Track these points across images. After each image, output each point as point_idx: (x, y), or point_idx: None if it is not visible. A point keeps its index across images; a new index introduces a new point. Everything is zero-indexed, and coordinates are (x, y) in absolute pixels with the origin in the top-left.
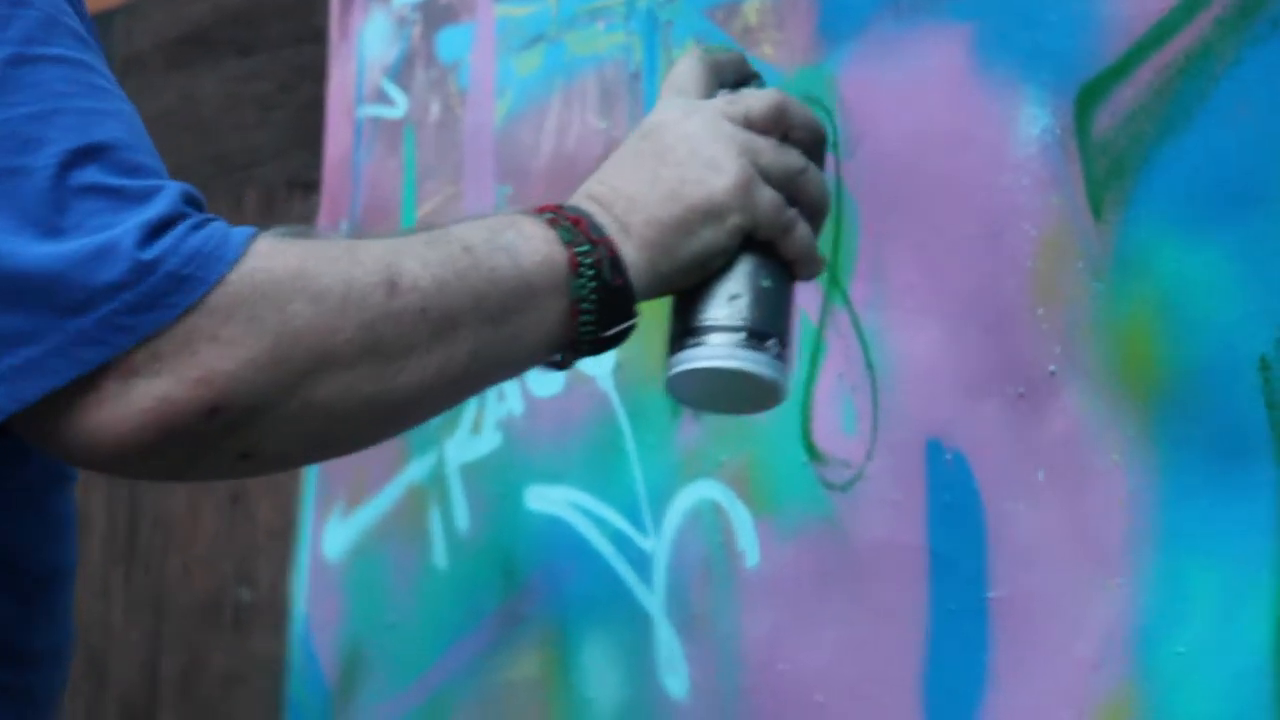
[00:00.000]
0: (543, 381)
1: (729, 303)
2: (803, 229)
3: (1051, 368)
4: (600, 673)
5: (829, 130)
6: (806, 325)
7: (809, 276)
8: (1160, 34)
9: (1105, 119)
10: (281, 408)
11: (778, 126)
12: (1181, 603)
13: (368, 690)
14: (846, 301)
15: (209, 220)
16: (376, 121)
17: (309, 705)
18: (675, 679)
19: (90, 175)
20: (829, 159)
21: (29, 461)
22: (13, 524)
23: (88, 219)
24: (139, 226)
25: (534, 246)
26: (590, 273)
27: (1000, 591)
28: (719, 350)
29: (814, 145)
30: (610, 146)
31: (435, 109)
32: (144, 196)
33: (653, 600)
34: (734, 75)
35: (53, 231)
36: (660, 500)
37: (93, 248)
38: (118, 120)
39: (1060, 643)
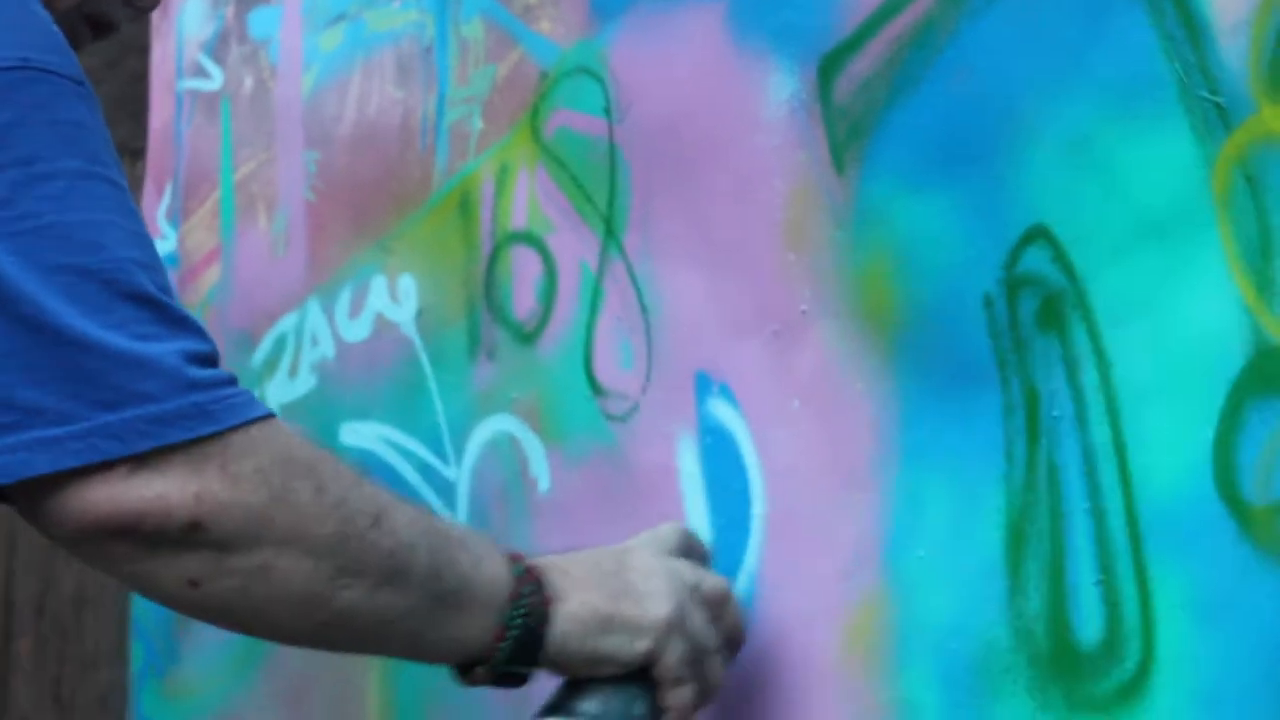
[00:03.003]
0: (351, 326)
1: (604, 706)
2: (687, 692)
3: (803, 307)
4: None
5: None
6: (586, 273)
7: None
8: (890, 9)
9: (844, 86)
10: (245, 557)
11: (715, 608)
12: (921, 513)
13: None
14: (621, 251)
15: (236, 379)
16: (195, 94)
17: (152, 624)
18: None
19: (138, 284)
20: (604, 124)
21: None
22: None
23: (133, 324)
24: (183, 352)
25: (493, 566)
26: (522, 610)
27: (764, 508)
28: None
29: (731, 641)
30: (407, 116)
31: (248, 82)
32: (183, 321)
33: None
34: (698, 553)
35: (105, 325)
36: (460, 433)
37: (136, 355)
38: (150, 245)
39: (818, 552)
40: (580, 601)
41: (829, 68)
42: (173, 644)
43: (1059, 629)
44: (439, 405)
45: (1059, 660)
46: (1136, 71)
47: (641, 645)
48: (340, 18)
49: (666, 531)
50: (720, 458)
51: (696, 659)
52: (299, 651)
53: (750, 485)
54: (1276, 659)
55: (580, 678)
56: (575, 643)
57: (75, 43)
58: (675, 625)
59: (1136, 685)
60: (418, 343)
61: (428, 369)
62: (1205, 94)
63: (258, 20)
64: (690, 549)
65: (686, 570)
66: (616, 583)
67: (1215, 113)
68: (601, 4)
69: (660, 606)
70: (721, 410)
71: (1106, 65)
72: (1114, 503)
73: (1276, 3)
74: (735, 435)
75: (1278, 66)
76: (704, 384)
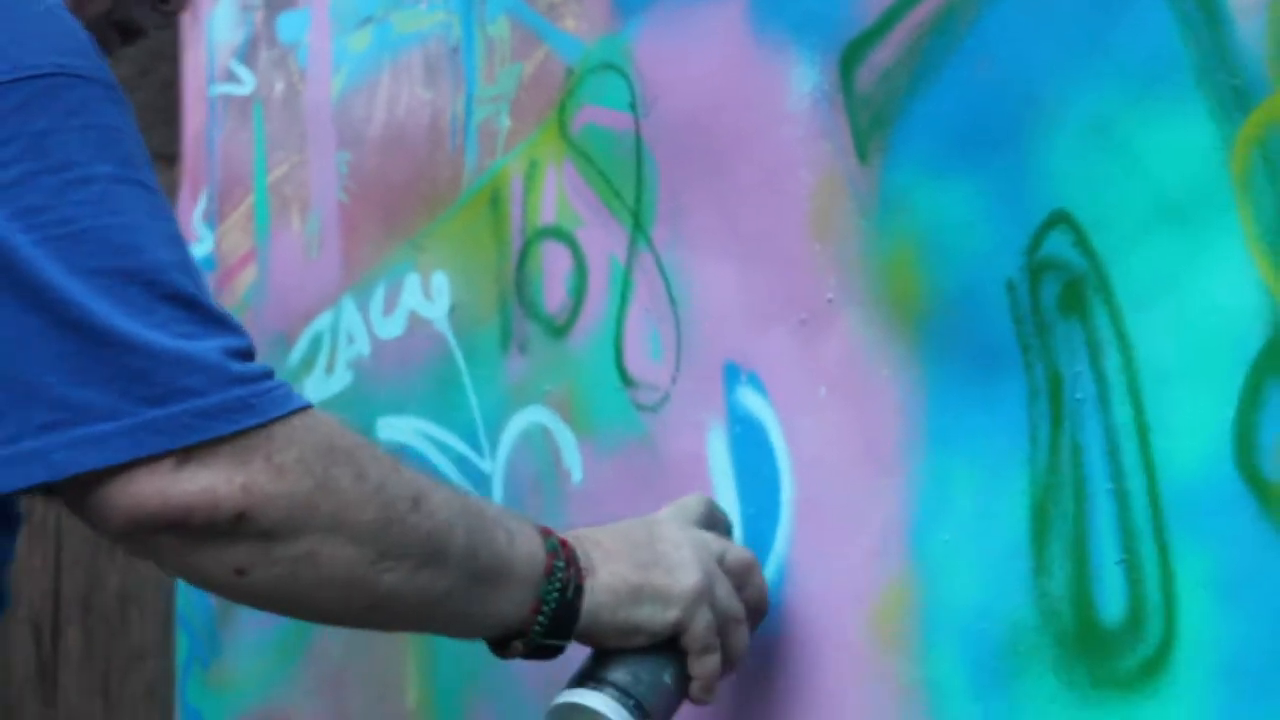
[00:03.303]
0: (385, 324)
1: (634, 675)
2: (714, 660)
3: (829, 296)
4: None
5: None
6: (615, 266)
7: (697, 698)
8: None
9: (866, 75)
10: (290, 545)
11: (740, 578)
12: (947, 497)
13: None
14: (650, 243)
15: (274, 373)
16: (227, 99)
17: (196, 618)
18: None
19: (177, 284)
20: (630, 119)
21: None
22: None
23: (174, 324)
24: (224, 348)
25: (527, 542)
26: (558, 584)
27: (792, 494)
28: (609, 705)
29: (756, 610)
30: (436, 115)
31: (279, 86)
32: (221, 319)
33: None
34: (722, 524)
35: (148, 325)
36: (495, 426)
37: (179, 353)
38: (185, 247)
39: (847, 536)
40: (611, 573)
41: (851, 58)
42: (216, 636)
43: (1083, 608)
44: (473, 399)
45: (1083, 639)
46: (1155, 55)
47: (671, 615)
48: (368, 20)
49: (692, 503)
50: (749, 446)
51: (723, 628)
52: (338, 642)
53: (779, 472)
54: None
55: (610, 648)
56: (608, 614)
57: (105, 48)
58: (703, 595)
59: (1159, 662)
60: (451, 338)
61: (461, 364)
62: (1223, 77)
63: (286, 24)
64: (714, 520)
65: (712, 541)
66: (646, 554)
67: (1233, 95)
68: (624, 0)
69: (689, 576)
70: (750, 399)
71: (1125, 49)
72: (1136, 483)
73: None
74: (764, 423)
75: None
76: (732, 373)
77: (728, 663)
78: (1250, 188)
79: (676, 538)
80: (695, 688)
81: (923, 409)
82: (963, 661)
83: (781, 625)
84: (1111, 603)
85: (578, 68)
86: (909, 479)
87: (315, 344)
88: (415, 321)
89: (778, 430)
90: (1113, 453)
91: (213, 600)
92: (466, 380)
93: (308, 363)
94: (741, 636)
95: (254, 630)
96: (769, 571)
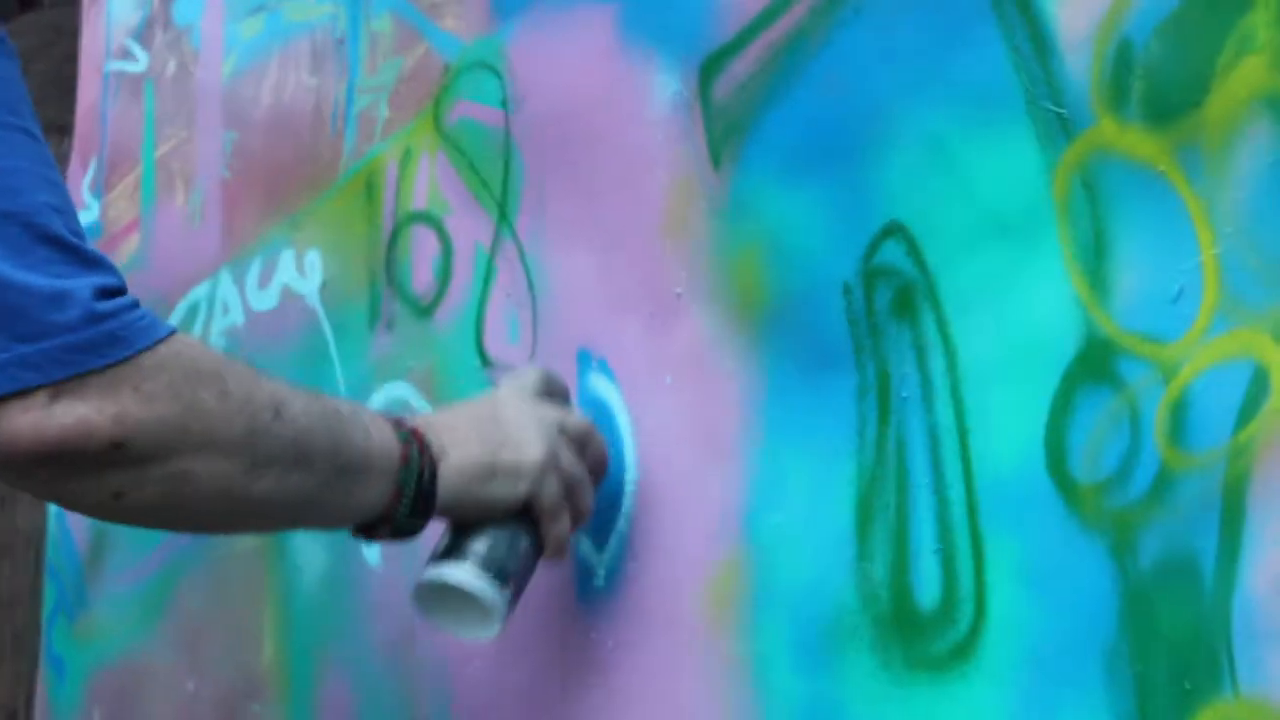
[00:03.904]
0: (260, 296)
1: (492, 545)
2: (564, 523)
3: (678, 290)
4: (308, 545)
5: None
6: (480, 253)
7: (551, 557)
8: (767, 17)
9: (723, 86)
10: (165, 466)
11: (580, 442)
12: (780, 483)
13: (113, 560)
14: (513, 232)
15: (139, 303)
16: (121, 75)
17: (65, 572)
18: (370, 550)
19: (55, 228)
20: (501, 115)
21: None
22: None
23: (49, 264)
24: (93, 286)
25: (382, 435)
26: (415, 471)
27: (635, 476)
28: (473, 573)
29: (597, 469)
30: (319, 102)
31: (172, 66)
32: (94, 261)
33: None
34: (560, 392)
35: (23, 266)
36: (360, 398)
37: (53, 290)
38: (64, 191)
39: (685, 517)
40: (462, 455)
41: (710, 69)
42: (83, 588)
43: (901, 593)
44: (340, 372)
45: (900, 621)
46: (988, 82)
47: (522, 488)
48: (260, 8)
49: (530, 375)
50: (598, 427)
51: (569, 491)
52: (198, 597)
53: (624, 454)
54: (1096, 623)
55: (468, 521)
56: (463, 493)
57: (3, 14)
58: (549, 465)
59: (969, 645)
60: (322, 313)
61: (330, 338)
62: (1050, 105)
63: (182, 8)
64: (552, 389)
65: (552, 411)
66: (493, 432)
67: (1058, 123)
68: (502, 3)
69: (534, 450)
70: (600, 384)
71: (960, 76)
72: (954, 478)
73: (1118, 22)
74: (612, 407)
75: (1117, 82)
76: (585, 359)
77: (576, 521)
78: (1070, 210)
79: (519, 413)
80: (549, 549)
81: (761, 400)
82: (789, 639)
83: (621, 600)
84: (927, 589)
85: (455, 64)
86: (745, 465)
87: (192, 312)
88: (288, 295)
89: (624, 414)
90: (934, 449)
91: (81, 552)
92: (334, 354)
93: (184, 329)
94: (587, 496)
95: (119, 583)
96: (612, 548)
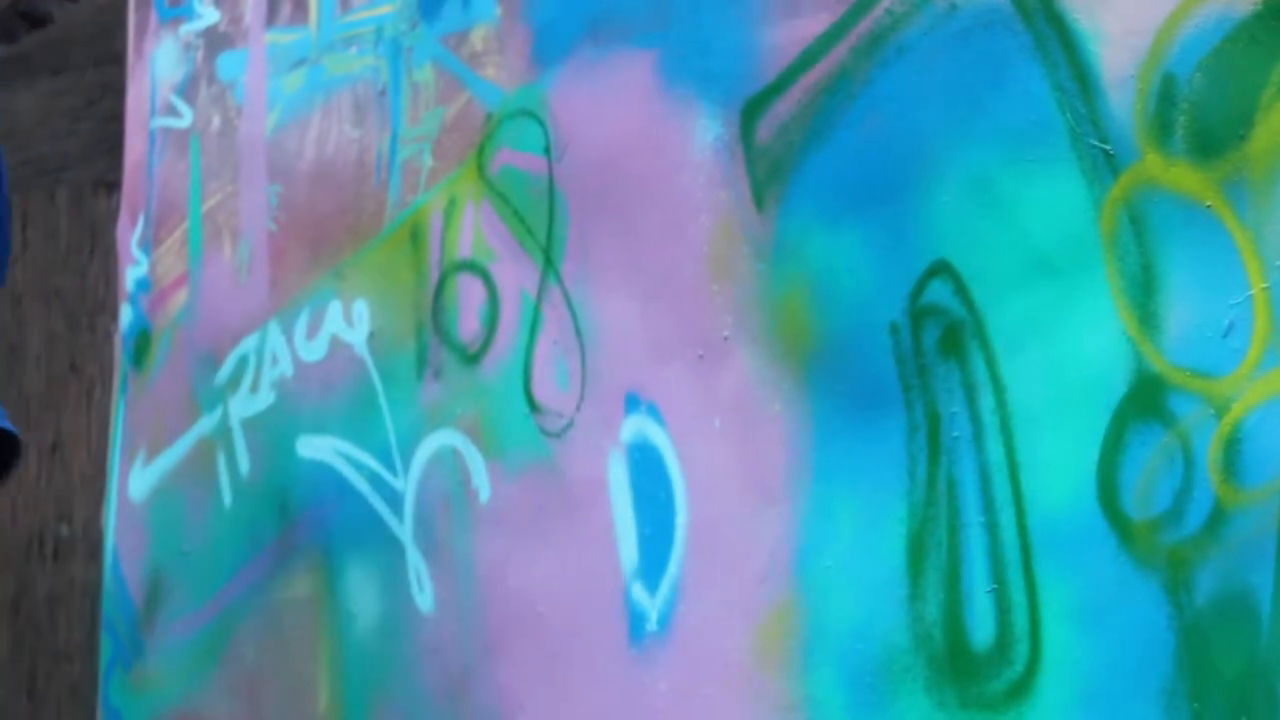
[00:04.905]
0: (308, 347)
1: None
2: None
3: (725, 334)
4: (361, 592)
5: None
6: (526, 299)
7: None
8: (807, 59)
9: (765, 129)
10: None
11: None
12: (830, 525)
13: (168, 609)
14: (559, 279)
15: None
16: (167, 131)
17: (120, 622)
18: (423, 596)
19: None
20: (544, 162)
21: None
22: None
23: None
24: None
25: None
26: None
27: (686, 519)
28: None
29: None
30: (363, 153)
31: (216, 120)
32: None
33: (403, 530)
34: None
35: None
36: (408, 447)
37: None
38: None
39: (736, 561)
40: None
41: (751, 112)
42: (139, 639)
43: (954, 633)
44: (389, 421)
45: (954, 662)
46: (1032, 119)
47: None
48: (302, 61)
49: None
50: (647, 472)
51: None
52: (253, 646)
53: (674, 498)
54: (1152, 661)
55: None
56: None
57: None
58: None
59: (1024, 685)
60: (370, 362)
61: (379, 387)
62: (1094, 142)
63: (225, 63)
64: None
65: None
66: None
67: (1104, 159)
68: (542, 51)
69: None
70: (649, 428)
71: (1005, 113)
72: (1006, 517)
73: (1161, 58)
74: (661, 451)
75: (1161, 117)
76: (633, 403)
77: None
78: (1117, 245)
79: None
80: None
81: (810, 442)
82: (841, 681)
83: (673, 643)
84: (981, 628)
85: (497, 113)
86: (795, 508)
87: (241, 364)
88: (336, 346)
89: (674, 458)
90: (985, 488)
91: (135, 602)
92: (383, 402)
93: (234, 382)
94: None
95: (174, 633)
96: (663, 590)
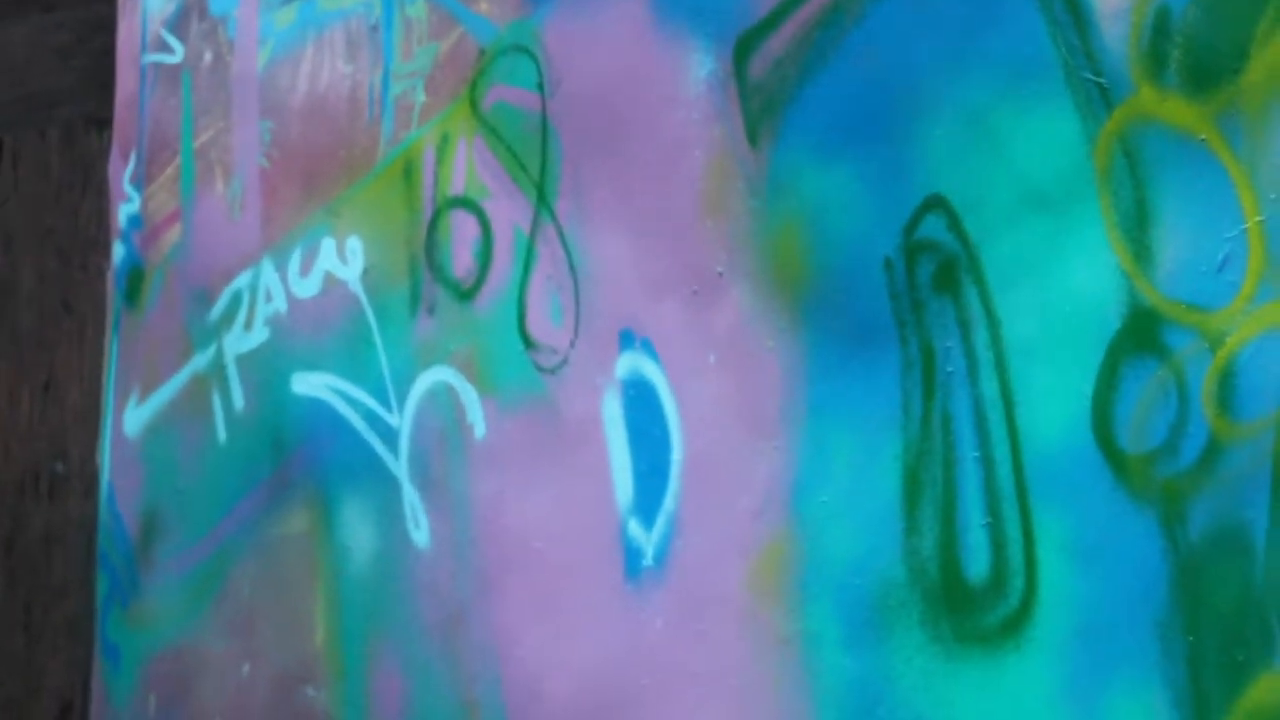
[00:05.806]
0: (302, 284)
1: None
2: None
3: (719, 270)
4: (357, 527)
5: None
6: (520, 236)
7: None
8: None
9: (758, 64)
10: None
11: None
12: (825, 461)
13: (164, 545)
14: (553, 216)
15: None
16: (158, 67)
17: (116, 559)
18: (419, 531)
19: None
20: (537, 98)
21: None
22: None
23: None
24: None
25: None
26: None
27: (681, 455)
28: None
29: None
30: (355, 89)
31: (208, 56)
32: None
33: (399, 467)
34: None
35: None
36: (403, 383)
37: None
38: None
39: (731, 496)
40: None
41: (744, 47)
42: (135, 575)
43: (950, 567)
44: (383, 357)
45: (949, 596)
46: (1026, 54)
47: None
48: None
49: None
50: (642, 408)
51: None
52: (249, 582)
53: (669, 434)
54: (1146, 595)
55: None
56: None
57: None
58: None
59: (1019, 619)
60: (364, 299)
61: (373, 323)
62: (1089, 75)
63: None
64: None
65: None
66: None
67: (1098, 93)
68: None
69: None
70: (644, 364)
71: (998, 48)
72: (1001, 452)
73: None
74: (656, 387)
75: (1156, 51)
76: (627, 339)
77: None
78: (1111, 179)
79: None
80: None
81: (804, 378)
82: (836, 615)
83: (669, 579)
84: (976, 562)
85: (490, 48)
86: (789, 443)
87: (235, 301)
88: (330, 282)
89: (669, 394)
90: (980, 423)
91: (132, 539)
92: (377, 339)
93: (227, 318)
94: None
95: (171, 569)
96: (659, 526)
